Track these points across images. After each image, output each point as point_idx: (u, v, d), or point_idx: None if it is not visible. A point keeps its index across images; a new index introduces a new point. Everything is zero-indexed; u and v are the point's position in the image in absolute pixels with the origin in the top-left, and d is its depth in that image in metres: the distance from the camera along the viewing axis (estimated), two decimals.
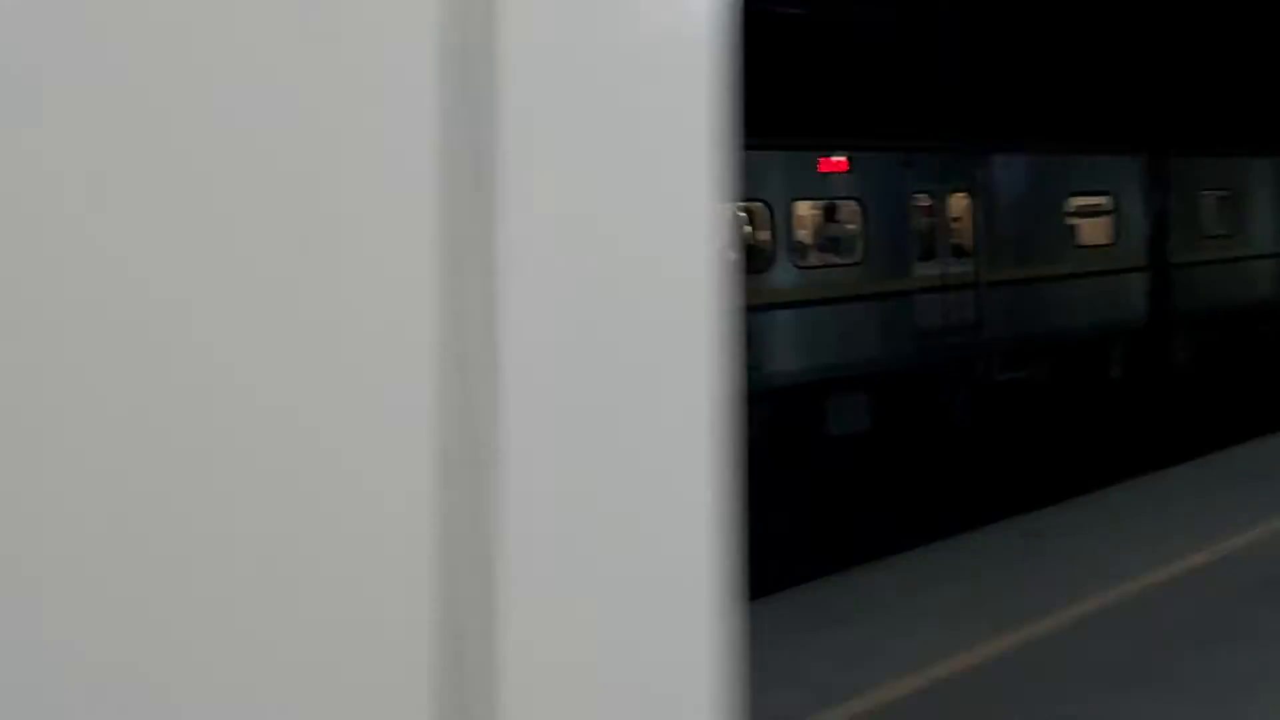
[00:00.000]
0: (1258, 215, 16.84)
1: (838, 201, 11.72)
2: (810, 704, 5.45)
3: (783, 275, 11.06)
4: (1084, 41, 13.89)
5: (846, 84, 11.35)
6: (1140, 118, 14.60)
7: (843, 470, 11.17)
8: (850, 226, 11.77)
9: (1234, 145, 16.17)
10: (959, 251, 12.65)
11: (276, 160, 0.42)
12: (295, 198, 0.42)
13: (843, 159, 11.47)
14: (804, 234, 11.49)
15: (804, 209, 11.39)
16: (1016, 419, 12.78)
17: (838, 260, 11.72)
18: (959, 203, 12.72)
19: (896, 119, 11.77)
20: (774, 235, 11.04)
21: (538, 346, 0.48)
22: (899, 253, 12.05)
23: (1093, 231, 14.43)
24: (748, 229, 11.19)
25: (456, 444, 0.46)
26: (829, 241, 11.74)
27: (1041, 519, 8.55)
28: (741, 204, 11.10)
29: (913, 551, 7.91)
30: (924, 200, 12.35)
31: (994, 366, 12.86)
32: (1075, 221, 14.18)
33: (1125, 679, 5.38)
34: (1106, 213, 14.50)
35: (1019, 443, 12.47)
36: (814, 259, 11.54)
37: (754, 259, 11.05)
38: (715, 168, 0.55)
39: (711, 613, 0.54)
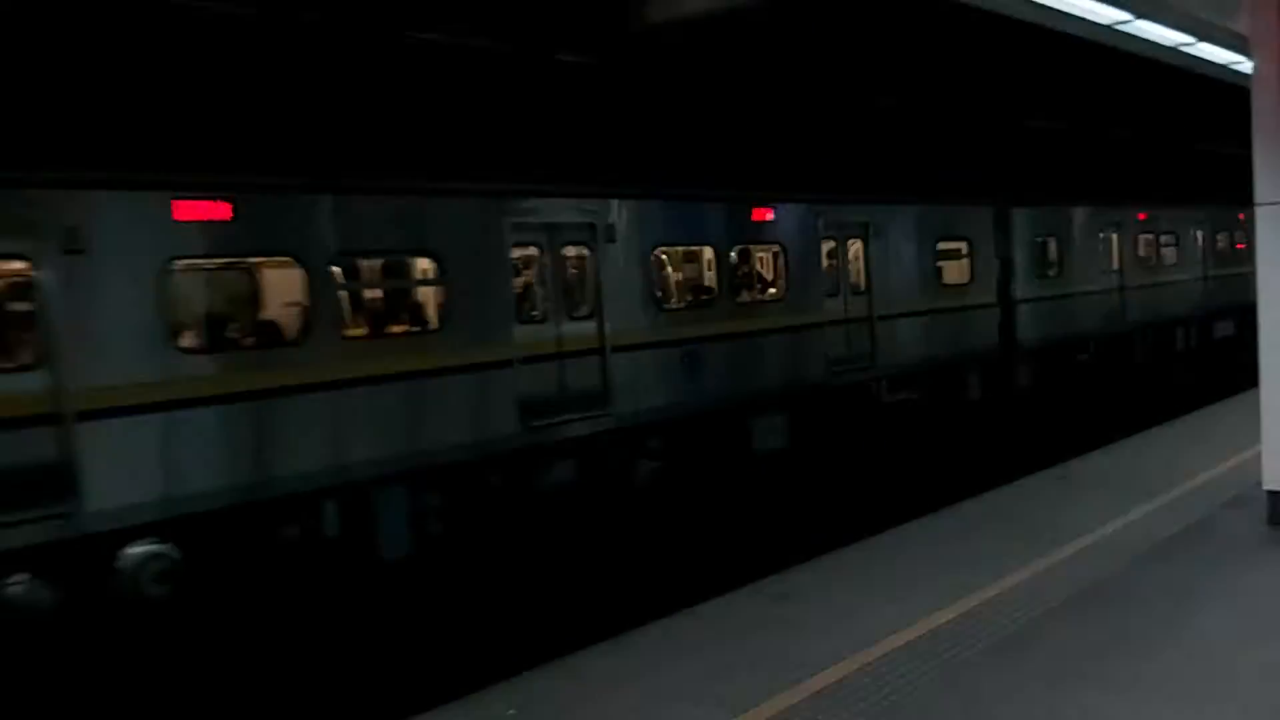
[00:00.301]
0: (1081, 256, 19.56)
1: (765, 245, 13.34)
2: None
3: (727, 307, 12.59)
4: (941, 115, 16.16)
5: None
6: (987, 174, 16.97)
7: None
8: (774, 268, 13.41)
9: (1060, 197, 18.89)
10: (855, 290, 14.52)
11: None
12: None
13: (769, 209, 13.10)
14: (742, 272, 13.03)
15: (737, 253, 12.93)
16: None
17: (763, 297, 13.33)
18: (855, 248, 14.57)
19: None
20: (719, 274, 12.56)
21: None
22: (814, 290, 13.78)
23: (955, 272, 16.61)
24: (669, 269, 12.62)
25: None
26: (758, 279, 13.32)
27: (785, 580, 8.34)
28: (692, 247, 12.62)
29: (651, 624, 7.54)
30: (830, 245, 14.14)
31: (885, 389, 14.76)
32: (942, 264, 16.32)
33: None
34: (965, 256, 16.72)
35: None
36: (745, 295, 13.10)
37: (703, 294, 12.55)
38: None
39: None
